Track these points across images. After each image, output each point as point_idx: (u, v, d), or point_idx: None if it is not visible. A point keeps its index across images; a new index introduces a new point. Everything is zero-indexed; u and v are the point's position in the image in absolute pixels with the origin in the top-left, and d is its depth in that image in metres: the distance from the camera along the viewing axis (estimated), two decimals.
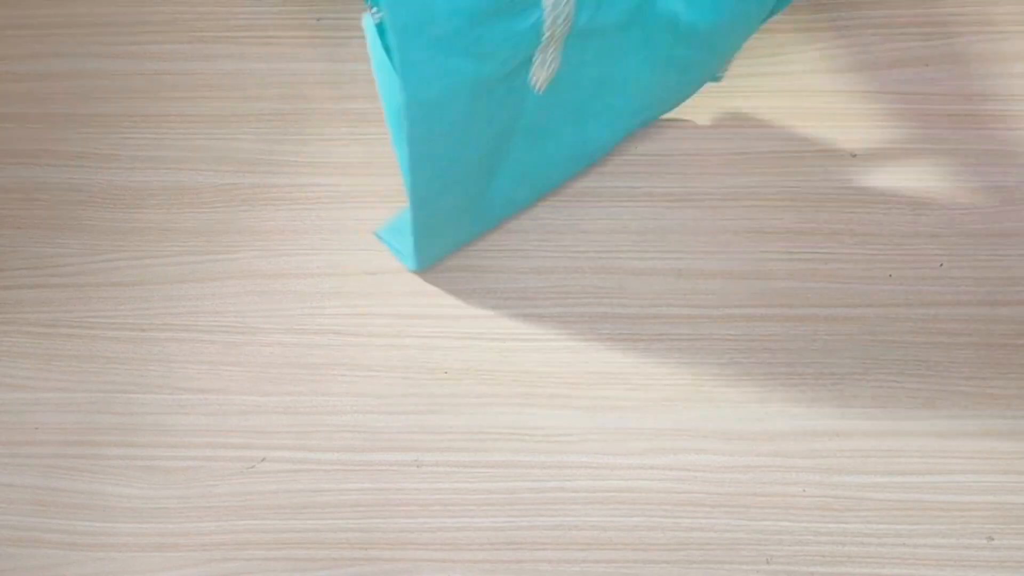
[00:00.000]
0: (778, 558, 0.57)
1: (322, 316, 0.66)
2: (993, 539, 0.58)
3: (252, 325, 0.66)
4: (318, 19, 0.77)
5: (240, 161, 0.71)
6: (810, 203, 0.68)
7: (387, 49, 0.50)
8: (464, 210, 0.61)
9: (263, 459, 0.62)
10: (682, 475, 0.60)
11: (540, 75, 0.53)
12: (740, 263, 0.67)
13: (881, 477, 0.60)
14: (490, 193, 0.61)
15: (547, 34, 0.49)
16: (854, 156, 0.69)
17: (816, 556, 0.57)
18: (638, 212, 0.68)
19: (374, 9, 0.51)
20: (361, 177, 0.70)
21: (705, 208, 0.68)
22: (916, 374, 0.63)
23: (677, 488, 0.60)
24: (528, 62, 0.51)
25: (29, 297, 0.68)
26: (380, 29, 0.49)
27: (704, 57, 0.60)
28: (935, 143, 0.70)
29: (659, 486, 0.60)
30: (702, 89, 0.68)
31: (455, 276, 0.67)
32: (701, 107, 0.72)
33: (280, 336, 0.65)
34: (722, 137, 0.71)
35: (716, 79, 0.68)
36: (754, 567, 0.57)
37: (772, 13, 0.61)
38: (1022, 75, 0.72)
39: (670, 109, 0.69)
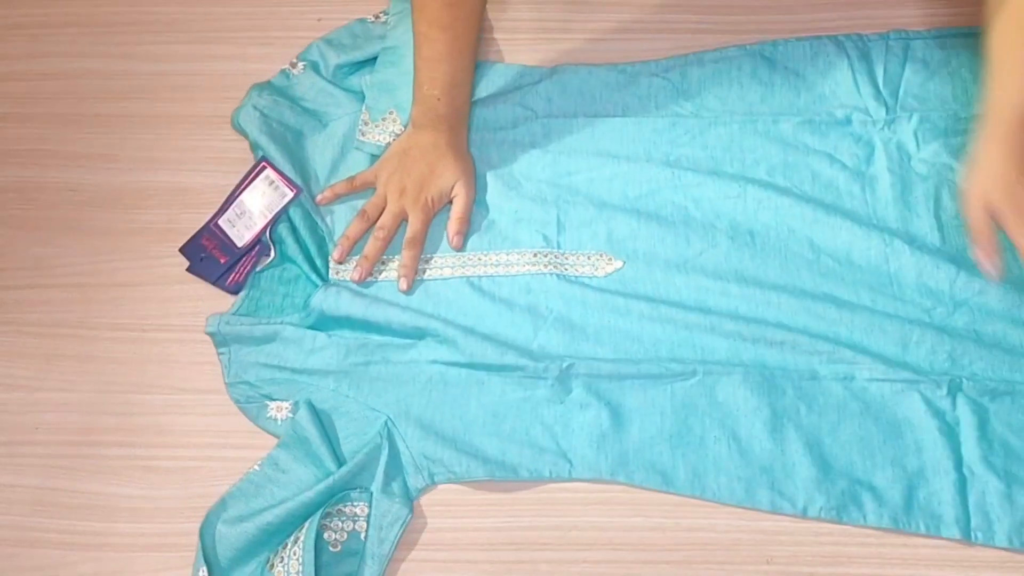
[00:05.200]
0: (778, 558, 0.57)
1: None
2: None
3: None
4: (319, 19, 0.77)
5: (239, 161, 0.71)
6: None
7: None
8: None
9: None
10: None
11: None
12: None
13: None
14: None
15: None
16: None
17: (816, 556, 0.57)
18: None
19: None
20: None
21: None
22: None
23: None
24: None
25: (29, 298, 0.68)
26: None
27: None
28: None
29: None
30: None
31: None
32: None
33: None
34: None
35: None
36: (754, 567, 0.57)
37: None
38: None
39: None
